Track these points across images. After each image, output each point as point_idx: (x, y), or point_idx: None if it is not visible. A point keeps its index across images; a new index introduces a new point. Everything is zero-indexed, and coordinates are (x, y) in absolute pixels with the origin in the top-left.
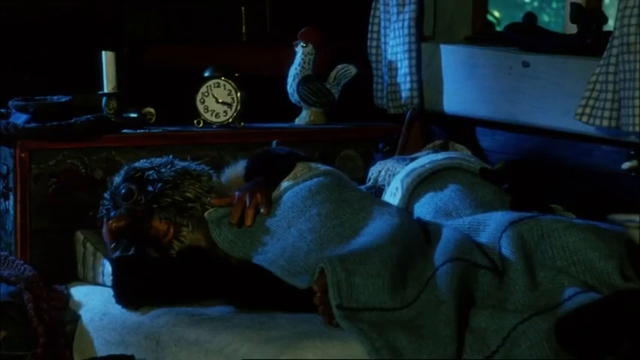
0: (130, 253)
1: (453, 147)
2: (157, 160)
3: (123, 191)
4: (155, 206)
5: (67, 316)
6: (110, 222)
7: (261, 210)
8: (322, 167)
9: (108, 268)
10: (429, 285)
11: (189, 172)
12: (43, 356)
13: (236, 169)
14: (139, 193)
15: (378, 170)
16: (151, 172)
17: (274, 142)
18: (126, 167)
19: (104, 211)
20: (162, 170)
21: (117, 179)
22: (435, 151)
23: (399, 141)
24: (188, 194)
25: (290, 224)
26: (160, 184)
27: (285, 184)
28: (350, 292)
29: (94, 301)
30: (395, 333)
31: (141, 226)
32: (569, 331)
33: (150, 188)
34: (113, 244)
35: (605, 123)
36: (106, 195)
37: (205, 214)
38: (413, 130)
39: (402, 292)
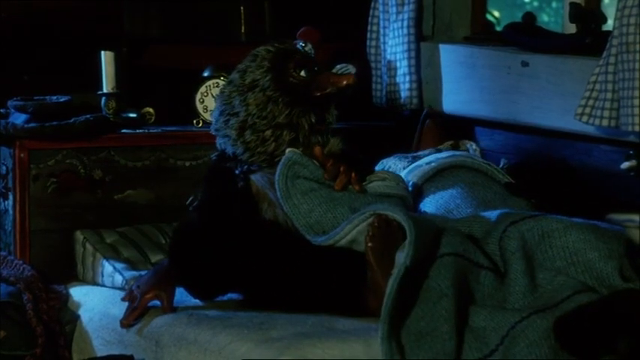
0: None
1: (463, 146)
2: None
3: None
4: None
5: (67, 316)
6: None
7: (355, 187)
8: (401, 189)
9: (107, 268)
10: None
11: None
12: (42, 356)
13: None
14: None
15: (380, 168)
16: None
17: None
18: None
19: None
20: None
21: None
22: (438, 150)
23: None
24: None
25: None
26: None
27: (376, 183)
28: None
29: (93, 301)
30: (398, 329)
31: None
32: (568, 330)
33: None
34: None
35: (605, 123)
36: (299, 46)
37: (289, 150)
38: (426, 128)
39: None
